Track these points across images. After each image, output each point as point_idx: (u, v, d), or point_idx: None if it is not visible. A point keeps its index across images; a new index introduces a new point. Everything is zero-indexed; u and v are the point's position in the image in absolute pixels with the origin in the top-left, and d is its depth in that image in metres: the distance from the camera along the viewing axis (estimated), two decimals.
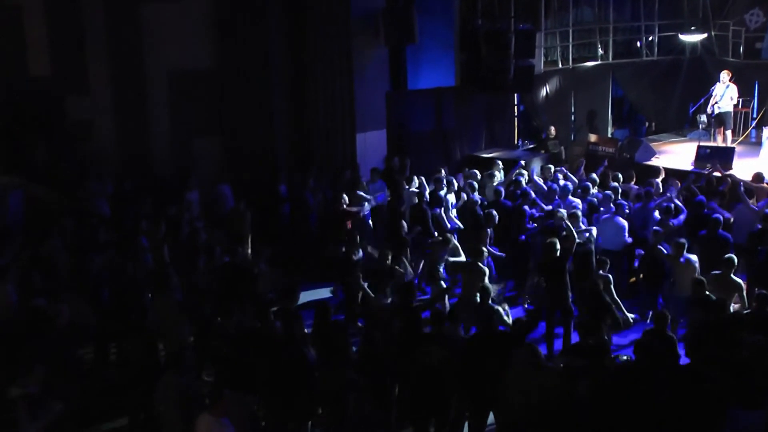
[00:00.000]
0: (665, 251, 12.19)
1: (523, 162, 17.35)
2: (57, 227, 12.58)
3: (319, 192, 15.80)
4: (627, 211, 13.63)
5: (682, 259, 11.85)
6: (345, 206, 14.71)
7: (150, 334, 9.87)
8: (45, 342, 9.46)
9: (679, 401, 7.92)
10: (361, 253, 12.80)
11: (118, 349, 10.54)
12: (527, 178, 16.20)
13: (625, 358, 10.49)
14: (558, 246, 11.64)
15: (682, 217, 13.52)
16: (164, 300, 10.54)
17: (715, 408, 7.86)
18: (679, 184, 15.14)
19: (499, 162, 17.33)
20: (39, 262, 11.76)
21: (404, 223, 13.85)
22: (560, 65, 22.16)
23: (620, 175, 15.71)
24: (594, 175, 15.90)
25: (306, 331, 9.84)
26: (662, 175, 15.89)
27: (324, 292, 13.48)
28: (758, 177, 14.76)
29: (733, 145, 18.05)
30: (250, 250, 13.95)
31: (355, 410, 8.42)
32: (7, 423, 8.06)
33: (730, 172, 15.96)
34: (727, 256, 11.36)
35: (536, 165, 18.00)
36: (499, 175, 16.71)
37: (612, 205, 13.76)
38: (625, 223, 13.29)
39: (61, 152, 16.09)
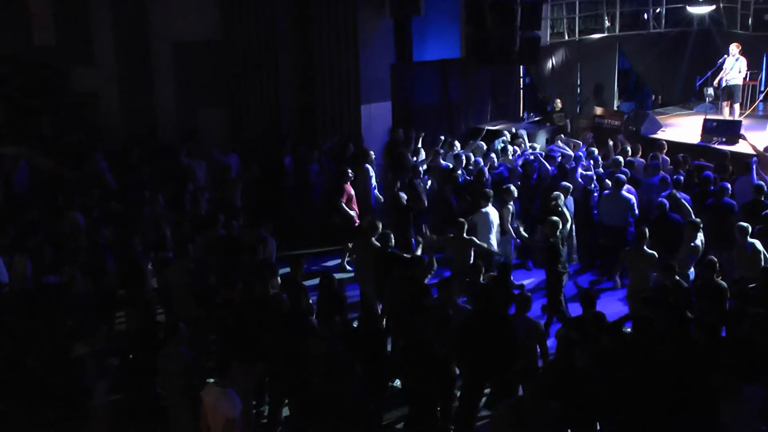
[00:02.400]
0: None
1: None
2: (75, 200, 12.61)
3: (323, 164, 15.81)
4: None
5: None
6: (350, 182, 14.55)
7: (151, 305, 9.95)
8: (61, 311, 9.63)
9: (680, 375, 7.95)
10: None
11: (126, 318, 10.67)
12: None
13: (628, 331, 10.55)
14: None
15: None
16: (179, 268, 10.61)
17: (716, 382, 7.87)
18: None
19: (506, 133, 17.32)
20: (55, 235, 11.83)
21: (403, 195, 13.76)
22: (566, 37, 22.04)
23: (629, 148, 15.69)
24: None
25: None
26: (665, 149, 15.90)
27: (326, 263, 13.54)
28: None
29: (740, 119, 17.97)
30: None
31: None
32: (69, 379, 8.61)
33: (736, 146, 15.95)
34: (739, 225, 11.34)
35: (541, 137, 17.98)
36: (511, 148, 16.67)
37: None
38: (633, 198, 13.21)
39: (66, 123, 16.09)
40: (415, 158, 15.92)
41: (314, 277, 12.46)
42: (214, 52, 16.78)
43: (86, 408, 8.36)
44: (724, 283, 10.00)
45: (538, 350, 9.17)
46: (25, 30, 16.42)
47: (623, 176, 13.47)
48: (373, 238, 11.57)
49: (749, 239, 11.11)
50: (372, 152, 15.84)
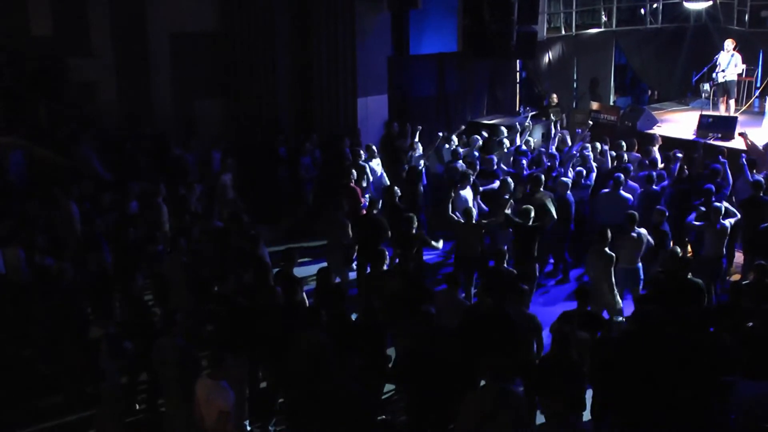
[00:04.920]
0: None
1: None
2: (71, 190, 12.62)
3: (316, 156, 15.83)
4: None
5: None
6: (353, 182, 14.36)
7: (143, 297, 9.98)
8: (52, 299, 9.68)
9: (682, 370, 7.99)
10: None
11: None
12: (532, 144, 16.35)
13: (621, 319, 10.60)
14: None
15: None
16: (173, 261, 10.64)
17: (719, 377, 7.91)
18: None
19: (504, 129, 17.37)
20: (48, 225, 11.84)
21: (397, 190, 13.73)
22: (563, 32, 22.05)
23: (624, 143, 15.72)
24: (597, 144, 15.91)
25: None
26: (659, 143, 15.95)
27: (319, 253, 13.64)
28: None
29: (736, 115, 18.01)
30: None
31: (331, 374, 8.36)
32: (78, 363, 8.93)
33: (732, 142, 16.00)
34: (714, 206, 11.93)
35: (537, 132, 17.99)
36: (507, 142, 16.68)
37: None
38: (631, 197, 13.24)
39: (62, 113, 16.07)
40: (411, 153, 15.91)
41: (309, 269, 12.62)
42: (212, 44, 16.78)
43: (98, 389, 8.44)
44: None
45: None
46: (22, 20, 16.35)
47: (621, 175, 13.49)
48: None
49: (722, 220, 11.78)
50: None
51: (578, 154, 15.16)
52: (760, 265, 10.16)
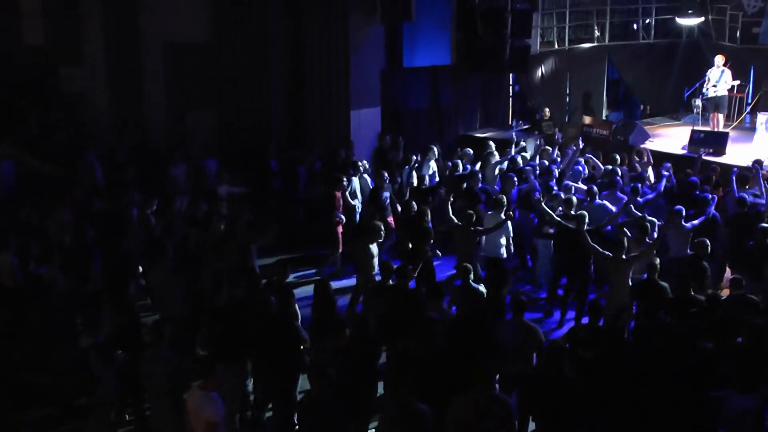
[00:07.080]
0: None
1: (523, 143, 17.37)
2: (66, 199, 12.56)
3: (312, 168, 15.78)
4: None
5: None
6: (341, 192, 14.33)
7: (134, 307, 9.93)
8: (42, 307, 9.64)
9: (671, 383, 7.97)
10: None
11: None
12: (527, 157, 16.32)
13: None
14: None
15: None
16: (159, 270, 10.57)
17: (708, 391, 7.91)
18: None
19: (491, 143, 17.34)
20: (40, 233, 11.80)
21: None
22: (556, 46, 22.13)
23: (618, 157, 15.72)
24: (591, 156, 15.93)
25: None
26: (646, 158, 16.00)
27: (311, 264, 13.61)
28: (759, 164, 14.69)
29: (727, 130, 18.05)
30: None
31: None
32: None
33: (723, 158, 16.03)
34: (675, 208, 12.15)
35: (530, 146, 17.98)
36: (496, 155, 16.62)
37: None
38: (608, 204, 13.19)
39: (54, 122, 16.04)
40: (406, 166, 15.86)
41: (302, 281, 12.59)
42: (205, 55, 16.78)
43: (91, 399, 8.38)
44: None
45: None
46: (14, 29, 16.35)
47: (594, 186, 13.51)
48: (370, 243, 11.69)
49: (684, 223, 12.06)
50: (365, 161, 15.85)
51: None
52: (735, 278, 10.29)
